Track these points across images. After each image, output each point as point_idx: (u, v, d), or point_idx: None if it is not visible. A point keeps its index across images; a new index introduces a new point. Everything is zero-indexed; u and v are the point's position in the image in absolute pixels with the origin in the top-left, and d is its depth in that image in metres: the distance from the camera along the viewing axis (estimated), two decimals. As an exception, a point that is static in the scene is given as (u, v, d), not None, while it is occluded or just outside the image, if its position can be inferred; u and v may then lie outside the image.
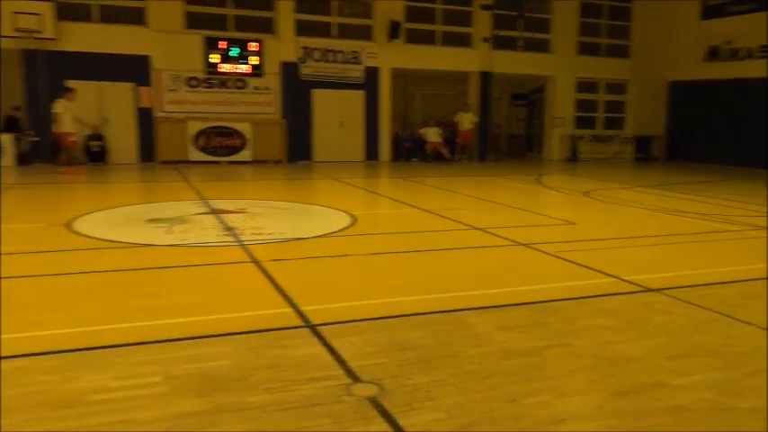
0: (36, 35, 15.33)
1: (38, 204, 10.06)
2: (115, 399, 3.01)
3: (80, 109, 15.22)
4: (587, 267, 5.89)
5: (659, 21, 21.41)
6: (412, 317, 4.33)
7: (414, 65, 19.18)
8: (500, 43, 20.09)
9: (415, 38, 19.31)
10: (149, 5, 16.68)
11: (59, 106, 13.76)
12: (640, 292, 5.10)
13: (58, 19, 15.64)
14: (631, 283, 5.33)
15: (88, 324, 4.13)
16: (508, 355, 3.66)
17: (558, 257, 6.28)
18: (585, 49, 21.64)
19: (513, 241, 7.07)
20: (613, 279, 5.47)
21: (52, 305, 4.54)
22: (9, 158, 15.48)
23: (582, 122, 22.09)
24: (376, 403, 3.00)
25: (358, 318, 4.26)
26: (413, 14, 19.26)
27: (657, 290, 5.12)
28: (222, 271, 5.74)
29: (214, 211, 8.72)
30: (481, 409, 2.98)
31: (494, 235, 7.46)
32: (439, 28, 19.79)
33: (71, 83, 15.67)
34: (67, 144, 14.11)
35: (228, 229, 7.44)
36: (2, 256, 6.07)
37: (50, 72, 15.74)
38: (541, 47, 20.99)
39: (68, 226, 7.56)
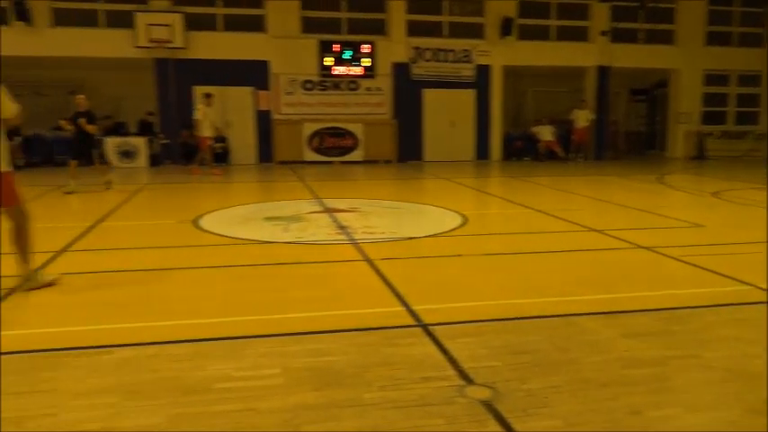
0: (167, 45, 16.46)
1: (167, 203, 10.80)
2: (238, 388, 3.15)
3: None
4: (718, 273, 5.48)
5: (801, 5, 19.58)
6: (527, 320, 4.22)
7: (527, 62, 18.74)
8: (619, 36, 19.19)
9: (529, 34, 18.87)
10: (268, 13, 17.43)
11: (199, 112, 14.50)
12: (780, 301, 4.67)
13: (187, 29, 16.70)
14: (770, 291, 4.89)
15: (212, 316, 4.36)
16: (631, 364, 3.47)
17: (685, 262, 5.89)
18: (714, 40, 20.21)
19: (634, 244, 6.71)
20: (748, 287, 5.04)
21: (180, 297, 4.84)
22: (143, 160, 16.74)
23: (710, 118, 20.64)
24: (490, 407, 2.94)
25: (471, 319, 4.21)
26: (526, 10, 18.83)
27: (801, 300, 4.66)
28: (336, 269, 5.87)
29: (328, 210, 8.96)
30: (601, 420, 2.85)
31: (613, 237, 7.12)
32: (554, 23, 19.22)
33: (197, 88, 16.73)
34: (204, 147, 14.91)
35: (341, 227, 7.61)
36: (133, 250, 6.56)
37: (179, 79, 16.85)
38: (665, 38, 19.83)
39: (195, 223, 8.04)
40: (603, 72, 19.38)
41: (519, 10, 18.68)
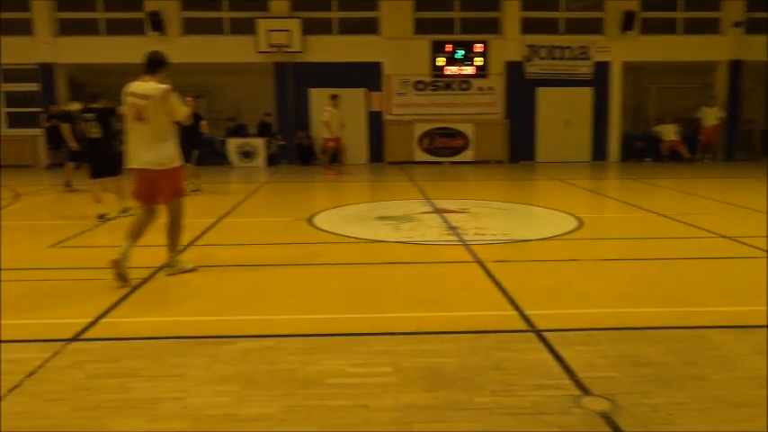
0: (285, 49, 17.14)
1: (283, 201, 11.24)
2: (351, 384, 3.21)
3: (320, 114, 16.73)
4: None
5: None
6: (648, 330, 4.00)
7: (650, 57, 17.77)
8: (755, 27, 17.72)
9: (652, 28, 17.88)
10: (382, 15, 17.68)
11: (326, 114, 14.86)
12: None
13: (304, 33, 17.29)
14: None
15: (326, 312, 4.48)
16: (766, 384, 3.19)
17: (832, 274, 5.34)
18: None
19: (771, 253, 6.18)
20: None
21: (296, 292, 5.02)
22: (261, 159, 17.53)
23: None
24: (609, 419, 2.82)
25: (587, 326, 4.05)
26: (650, 2, 17.83)
27: None
28: (447, 269, 5.85)
29: (438, 211, 8.95)
30: (734, 442, 2.64)
31: (745, 245, 6.59)
32: (680, 15, 18.08)
33: (313, 91, 17.30)
34: (328, 148, 15.32)
35: (452, 228, 7.58)
36: (253, 246, 6.88)
37: (296, 82, 17.49)
38: (809, 28, 18.09)
39: (309, 221, 8.31)
40: (736, 66, 17.99)
41: (642, 3, 17.74)
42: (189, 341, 3.84)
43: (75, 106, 10.17)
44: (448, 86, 17.95)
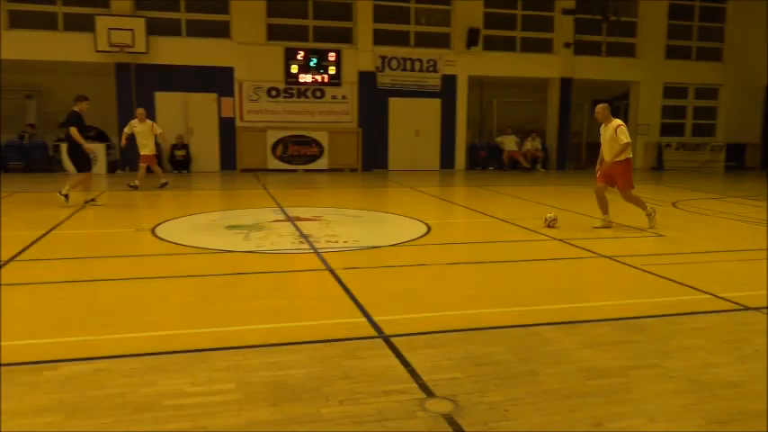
0: (128, 49, 16.12)
1: (125, 210, 10.51)
2: (190, 404, 3.01)
3: (167, 119, 15.97)
4: (678, 282, 5.53)
5: (755, 22, 20.21)
6: (489, 330, 4.17)
7: (492, 72, 18.91)
8: (582, 48, 19.51)
9: (494, 45, 19.05)
10: (233, 19, 17.23)
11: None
12: (738, 310, 4.73)
13: (149, 34, 16.38)
14: (728, 300, 4.95)
15: (166, 328, 4.20)
16: (592, 375, 3.44)
17: (645, 271, 5.93)
18: (674, 53, 20.73)
19: (596, 253, 6.75)
20: (707, 296, 5.10)
21: (133, 308, 4.66)
22: (101, 166, 16.31)
23: (669, 129, 21.14)
24: (451, 420, 2.87)
25: (433, 329, 4.14)
26: (492, 21, 19.00)
27: (757, 308, 4.72)
28: (297, 278, 5.75)
29: (290, 219, 8.82)
30: (563, 433, 2.80)
31: (575, 246, 7.16)
32: (519, 34, 19.44)
33: (159, 94, 16.45)
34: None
35: (304, 236, 7.49)
36: (83, 260, 6.34)
37: (140, 84, 16.51)
38: (627, 51, 20.24)
39: (153, 231, 7.83)
40: (566, 83, 19.67)
41: (485, 21, 18.84)
42: (3, 369, 3.40)
43: None
44: (302, 94, 17.87)
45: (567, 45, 19.27)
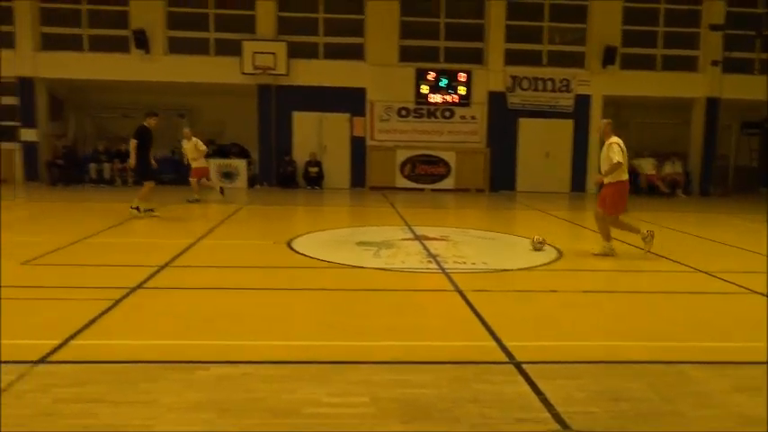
0: (270, 72, 17.16)
1: (264, 223, 11.14)
2: (327, 414, 3.13)
3: (302, 137, 16.84)
4: None
5: None
6: (627, 364, 3.97)
7: (629, 92, 18.09)
8: (731, 66, 18.18)
9: (633, 63, 18.26)
10: (368, 41, 17.83)
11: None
12: None
13: (289, 57, 17.35)
14: None
15: (302, 338, 4.40)
16: (745, 422, 3.18)
17: (807, 311, 5.38)
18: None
19: (749, 289, 6.23)
20: None
21: (271, 317, 4.93)
22: (242, 180, 17.42)
23: (832, 154, 19.11)
24: (588, 456, 2.77)
25: (567, 359, 4.02)
26: (630, 38, 18.24)
27: None
28: (426, 297, 5.81)
29: (418, 238, 8.93)
30: (713, 482, 2.61)
31: (723, 280, 6.65)
32: (660, 52, 18.50)
33: (296, 114, 17.38)
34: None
35: (432, 255, 7.55)
36: (227, 269, 6.78)
37: (280, 104, 17.50)
38: (783, 69, 18.60)
39: (288, 244, 8.23)
40: (713, 104, 18.41)
41: (623, 38, 18.13)
42: (160, 366, 3.73)
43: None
44: (431, 114, 18.08)
45: (714, 63, 18.06)
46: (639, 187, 18.39)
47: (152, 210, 10.82)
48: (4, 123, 17.25)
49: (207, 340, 4.30)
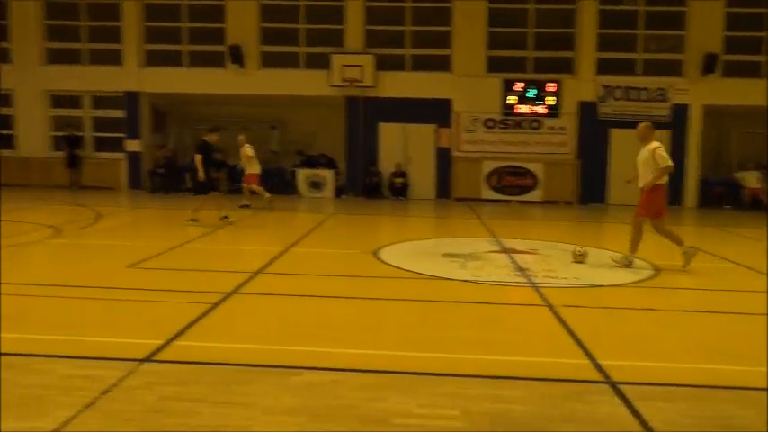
0: (357, 84, 17.47)
1: (350, 233, 11.32)
2: (417, 425, 3.14)
3: (388, 149, 17.02)
4: None
5: None
6: (732, 390, 3.75)
7: (732, 101, 17.09)
8: None
9: (735, 71, 17.27)
10: (454, 52, 17.82)
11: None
12: None
13: (376, 69, 17.61)
14: None
15: (391, 348, 4.43)
16: None
17: None
18: None
19: None
20: None
21: (359, 325, 4.99)
22: (329, 191, 17.78)
23: None
24: (693, 485, 2.63)
25: (666, 382, 3.83)
26: (733, 45, 17.28)
27: None
28: (515, 312, 5.71)
29: (506, 251, 8.79)
30: None
31: (840, 303, 6.14)
32: (765, 58, 17.40)
33: (383, 125, 17.59)
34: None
35: (521, 269, 7.42)
36: (316, 277, 6.93)
37: (367, 116, 17.77)
38: None
39: (375, 254, 8.32)
40: (827, 113, 17.12)
41: (725, 45, 17.21)
42: (256, 369, 3.85)
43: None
44: (518, 125, 17.81)
45: (827, 69, 16.81)
46: (743, 201, 17.34)
47: (227, 217, 10.97)
48: (112, 135, 18.47)
49: (298, 346, 4.40)
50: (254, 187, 13.74)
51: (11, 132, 18.44)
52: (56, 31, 18.42)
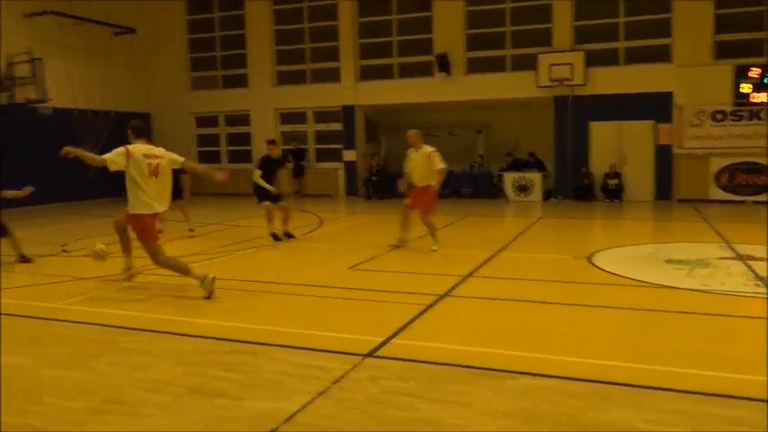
0: (566, 83, 16.89)
1: (560, 237, 10.99)
2: (641, 441, 2.98)
3: (600, 148, 16.20)
4: None
5: None
6: None
7: None
8: None
9: None
10: (675, 41, 16.42)
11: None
12: None
13: (586, 66, 16.87)
14: None
15: (607, 357, 4.24)
16: None
17: None
18: None
19: None
20: None
21: (573, 333, 4.84)
22: (537, 194, 17.42)
23: None
24: None
25: None
26: None
27: None
28: (753, 326, 5.12)
29: (741, 257, 7.89)
30: None
31: None
32: None
33: (593, 124, 16.80)
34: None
35: (760, 278, 6.61)
36: (527, 281, 6.83)
37: (576, 115, 17.10)
38: None
39: (589, 259, 7.98)
40: None
41: None
42: (471, 371, 3.94)
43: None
44: (753, 116, 15.83)
45: None
46: None
47: (290, 233, 10.23)
48: (331, 146, 20.06)
49: (512, 350, 4.41)
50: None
51: (248, 148, 20.85)
52: (283, 56, 20.48)
